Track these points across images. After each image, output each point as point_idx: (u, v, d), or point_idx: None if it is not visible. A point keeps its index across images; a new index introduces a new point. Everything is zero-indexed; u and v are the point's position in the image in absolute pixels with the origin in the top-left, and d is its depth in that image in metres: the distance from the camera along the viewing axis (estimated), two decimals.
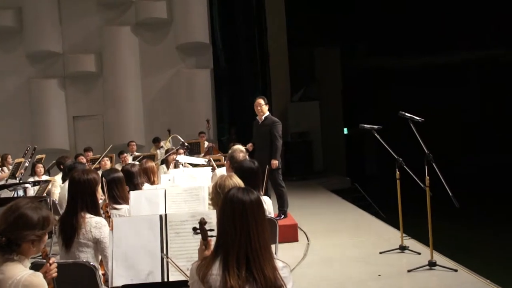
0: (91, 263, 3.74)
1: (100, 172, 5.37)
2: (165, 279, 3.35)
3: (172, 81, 17.13)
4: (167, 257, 3.32)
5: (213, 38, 17.97)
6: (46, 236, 2.81)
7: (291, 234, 8.07)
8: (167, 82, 17.18)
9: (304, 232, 8.59)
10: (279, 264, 2.56)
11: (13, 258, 2.70)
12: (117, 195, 4.73)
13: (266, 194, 5.05)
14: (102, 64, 16.99)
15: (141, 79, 17.16)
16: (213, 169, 7.27)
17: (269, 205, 4.86)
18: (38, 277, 2.68)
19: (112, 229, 3.50)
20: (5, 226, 2.70)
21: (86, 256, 3.98)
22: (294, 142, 17.68)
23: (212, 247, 2.70)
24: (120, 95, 16.83)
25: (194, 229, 2.89)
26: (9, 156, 11.58)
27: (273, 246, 4.29)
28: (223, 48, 19.80)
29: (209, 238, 2.80)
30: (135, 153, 13.42)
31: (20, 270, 2.67)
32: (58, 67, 16.97)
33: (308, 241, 8.18)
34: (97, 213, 4.10)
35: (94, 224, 4.01)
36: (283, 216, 8.48)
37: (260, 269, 2.46)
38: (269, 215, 4.63)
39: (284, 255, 4.83)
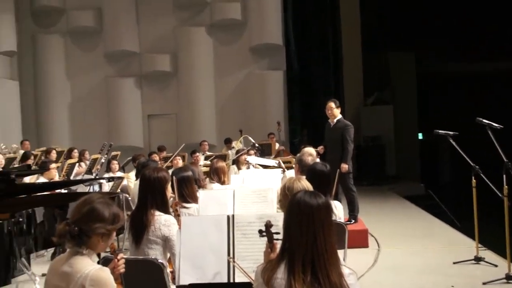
0: (160, 260, 3.76)
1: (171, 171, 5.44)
2: (231, 280, 3.35)
3: (245, 82, 17.25)
4: (233, 261, 3.32)
5: (286, 39, 17.96)
6: (114, 233, 2.85)
7: (361, 240, 7.93)
8: (239, 83, 17.32)
9: (375, 238, 8.43)
10: (345, 270, 2.50)
11: (82, 251, 2.75)
12: (187, 194, 4.76)
13: (336, 198, 4.97)
14: (177, 64, 17.31)
15: (215, 79, 17.37)
16: (284, 171, 7.24)
17: (339, 210, 4.77)
18: (106, 272, 2.71)
19: (180, 228, 3.53)
20: (78, 216, 2.76)
21: (155, 253, 4.01)
22: (366, 146, 17.41)
23: (277, 250, 2.67)
24: (194, 95, 17.10)
25: (260, 231, 2.86)
26: (87, 152, 11.95)
27: (341, 252, 4.20)
28: (296, 50, 19.74)
29: (275, 241, 2.77)
30: (207, 152, 13.58)
31: (88, 264, 2.71)
32: (134, 66, 17.44)
33: (378, 247, 8.01)
34: (166, 211, 4.14)
35: (163, 221, 4.05)
36: (353, 221, 8.36)
37: (325, 275, 2.41)
38: (338, 220, 4.55)
39: (353, 261, 4.72)
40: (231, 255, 3.38)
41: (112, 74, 17.46)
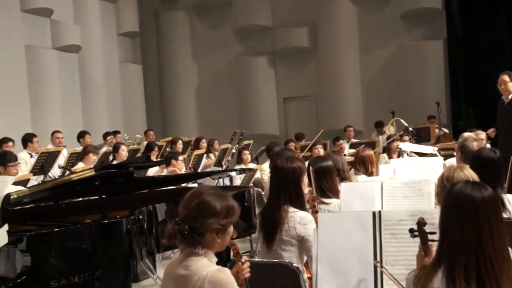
0: (295, 264, 3.75)
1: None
2: None
3: (396, 56, 16.82)
4: (381, 266, 3.21)
5: (447, 1, 17.26)
6: (231, 228, 2.86)
7: None
8: (389, 57, 16.92)
9: None
10: None
11: (198, 252, 2.78)
12: (326, 187, 4.68)
13: (510, 191, 4.66)
14: (316, 38, 17.27)
15: (360, 54, 17.12)
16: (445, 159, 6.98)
17: None
18: (226, 273, 2.73)
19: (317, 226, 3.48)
20: (186, 212, 2.80)
21: (290, 255, 4.00)
22: None
23: (433, 253, 2.55)
24: (336, 73, 16.97)
25: (411, 231, 2.74)
26: (216, 142, 12.27)
27: None
28: (459, 14, 18.90)
29: (430, 243, 2.64)
30: (352, 139, 13.45)
31: (205, 265, 2.75)
32: (267, 43, 17.65)
33: None
34: (302, 207, 4.11)
35: (298, 219, 4.02)
36: None
37: (495, 283, 2.27)
38: None
39: None
40: (378, 259, 3.27)
41: (243, 53, 17.82)
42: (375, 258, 3.29)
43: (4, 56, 12.11)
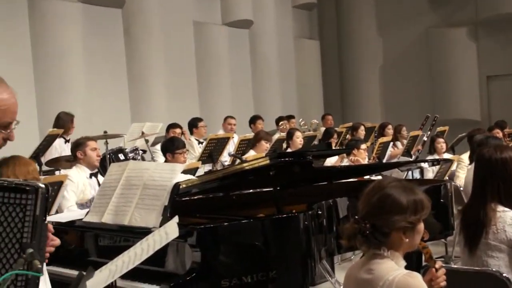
0: (504, 274, 3.63)
1: None
2: None
3: None
4: None
5: None
6: (422, 227, 2.81)
7: None
8: None
9: None
10: None
11: (383, 253, 2.77)
12: None
13: None
14: None
15: None
16: None
17: None
18: (416, 278, 2.70)
19: None
20: (367, 209, 2.79)
21: (498, 263, 3.91)
22: None
23: None
24: None
25: None
26: (404, 128, 12.11)
27: None
28: None
29: None
30: None
31: (392, 269, 2.73)
32: (468, 11, 17.12)
33: None
34: None
35: (509, 220, 3.91)
36: None
37: None
38: None
39: None
40: None
41: (437, 24, 17.52)
42: None
43: (172, 34, 12.70)
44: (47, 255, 2.75)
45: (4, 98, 2.64)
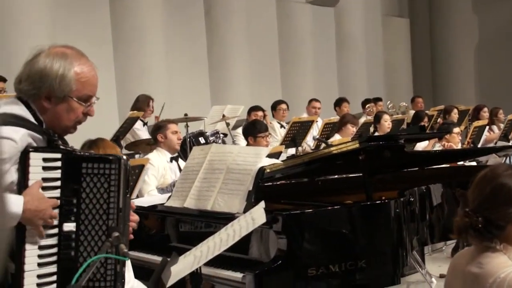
0: None
1: None
2: None
3: None
4: None
5: None
6: None
7: None
8: None
9: None
10: None
11: (495, 246, 2.65)
12: None
13: None
14: None
15: None
16: None
17: None
18: None
19: None
20: (479, 201, 2.67)
21: None
22: None
23: None
24: None
25: None
26: (501, 111, 11.83)
27: None
28: None
29: None
30: None
31: (505, 265, 2.61)
32: None
33: None
34: None
35: None
36: None
37: None
38: None
39: None
40: None
41: None
42: None
43: (254, 14, 12.70)
44: (130, 230, 2.82)
45: (84, 70, 2.72)
